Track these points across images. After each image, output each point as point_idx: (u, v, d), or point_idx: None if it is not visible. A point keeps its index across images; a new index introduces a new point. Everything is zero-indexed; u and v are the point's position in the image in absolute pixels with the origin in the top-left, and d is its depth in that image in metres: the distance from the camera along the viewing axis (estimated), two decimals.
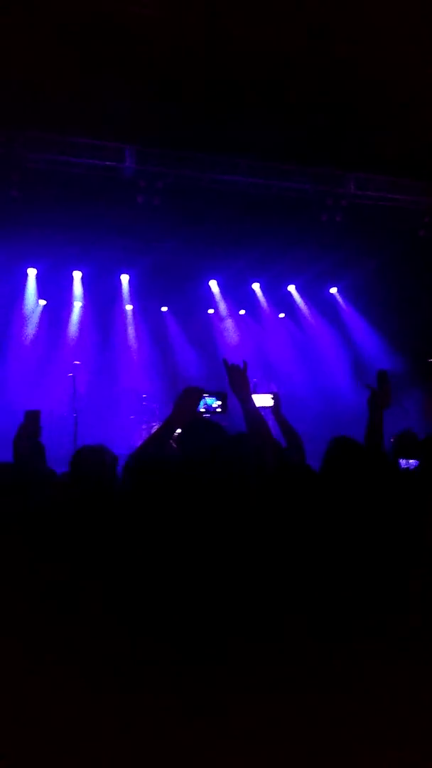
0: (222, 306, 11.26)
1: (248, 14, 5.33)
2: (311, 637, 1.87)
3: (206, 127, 6.83)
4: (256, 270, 10.55)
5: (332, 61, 5.86)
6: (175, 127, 6.87)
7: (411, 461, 3.51)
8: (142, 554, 1.91)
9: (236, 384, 2.68)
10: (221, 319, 11.22)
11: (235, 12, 5.33)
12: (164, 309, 11.37)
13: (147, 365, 10.91)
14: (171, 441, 2.56)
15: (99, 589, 1.84)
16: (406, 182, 8.34)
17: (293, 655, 1.81)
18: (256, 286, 11.34)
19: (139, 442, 2.40)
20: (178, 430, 2.53)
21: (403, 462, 3.56)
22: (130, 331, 11.09)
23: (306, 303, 11.44)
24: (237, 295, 11.32)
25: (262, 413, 2.60)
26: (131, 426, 9.90)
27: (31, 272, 10.08)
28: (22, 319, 10.25)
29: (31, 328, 10.34)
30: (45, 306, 10.47)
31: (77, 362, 9.12)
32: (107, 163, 7.30)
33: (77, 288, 10.50)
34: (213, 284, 11.13)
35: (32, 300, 10.26)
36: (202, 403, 2.73)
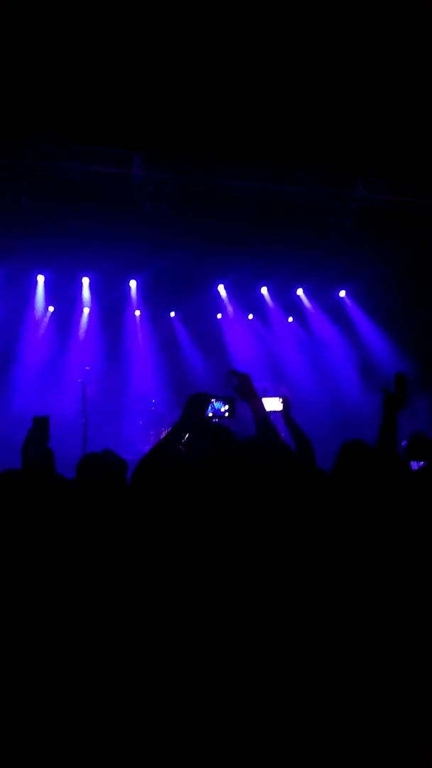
0: (230, 310, 11.24)
1: None
2: (320, 638, 1.85)
3: (214, 133, 6.85)
4: (265, 274, 10.54)
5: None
6: (183, 133, 6.89)
7: (422, 463, 3.50)
8: (150, 556, 1.90)
9: (244, 393, 2.69)
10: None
11: None
12: (173, 314, 11.38)
13: (156, 370, 10.91)
14: (180, 446, 2.56)
15: (102, 591, 1.83)
16: (415, 185, 8.30)
17: (298, 655, 1.79)
18: (264, 290, 11.34)
19: (148, 448, 2.40)
20: (187, 435, 2.53)
21: (414, 464, 3.55)
22: (139, 336, 11.11)
23: (314, 307, 11.40)
24: (245, 299, 11.31)
25: (272, 417, 2.59)
26: (140, 431, 9.90)
27: (40, 279, 10.14)
28: (32, 326, 10.30)
29: (40, 334, 10.39)
30: (54, 312, 10.52)
31: (88, 368, 9.12)
32: (116, 169, 7.34)
33: (86, 294, 10.54)
34: (221, 289, 11.13)
35: (41, 306, 10.30)
36: (210, 407, 2.73)
